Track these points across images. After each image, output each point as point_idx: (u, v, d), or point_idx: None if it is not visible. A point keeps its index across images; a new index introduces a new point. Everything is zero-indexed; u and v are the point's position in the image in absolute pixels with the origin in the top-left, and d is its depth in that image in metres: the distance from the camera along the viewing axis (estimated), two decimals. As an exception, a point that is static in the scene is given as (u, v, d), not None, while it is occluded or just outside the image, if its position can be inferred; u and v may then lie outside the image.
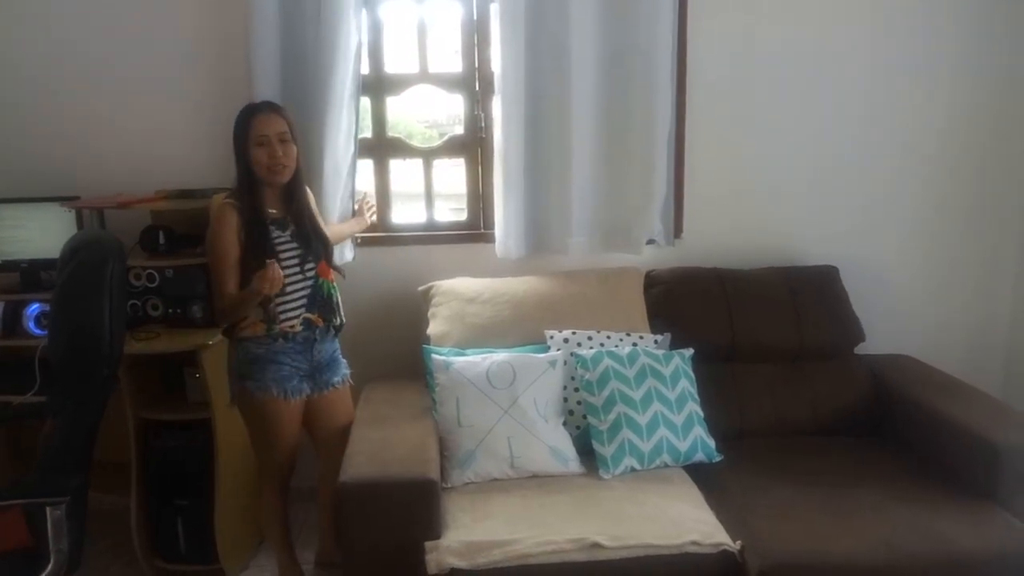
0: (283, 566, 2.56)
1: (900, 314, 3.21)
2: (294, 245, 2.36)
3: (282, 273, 2.21)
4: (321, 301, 2.41)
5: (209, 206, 2.56)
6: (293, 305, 2.35)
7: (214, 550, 2.60)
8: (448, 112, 3.43)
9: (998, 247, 3.25)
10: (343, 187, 2.90)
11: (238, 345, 2.34)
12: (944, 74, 3.10)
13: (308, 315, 2.37)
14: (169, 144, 2.97)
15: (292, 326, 2.34)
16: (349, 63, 2.80)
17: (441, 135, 3.23)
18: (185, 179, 2.86)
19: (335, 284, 2.48)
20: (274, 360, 2.33)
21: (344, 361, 2.55)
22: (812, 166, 3.14)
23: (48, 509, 1.79)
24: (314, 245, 2.40)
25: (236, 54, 2.84)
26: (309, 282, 2.38)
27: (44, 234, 2.77)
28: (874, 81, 3.09)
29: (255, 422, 2.39)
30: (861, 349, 2.95)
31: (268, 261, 2.19)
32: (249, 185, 2.34)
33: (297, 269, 2.36)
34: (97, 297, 1.88)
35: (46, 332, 2.55)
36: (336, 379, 2.50)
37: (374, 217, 3.01)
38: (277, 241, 2.33)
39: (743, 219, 3.15)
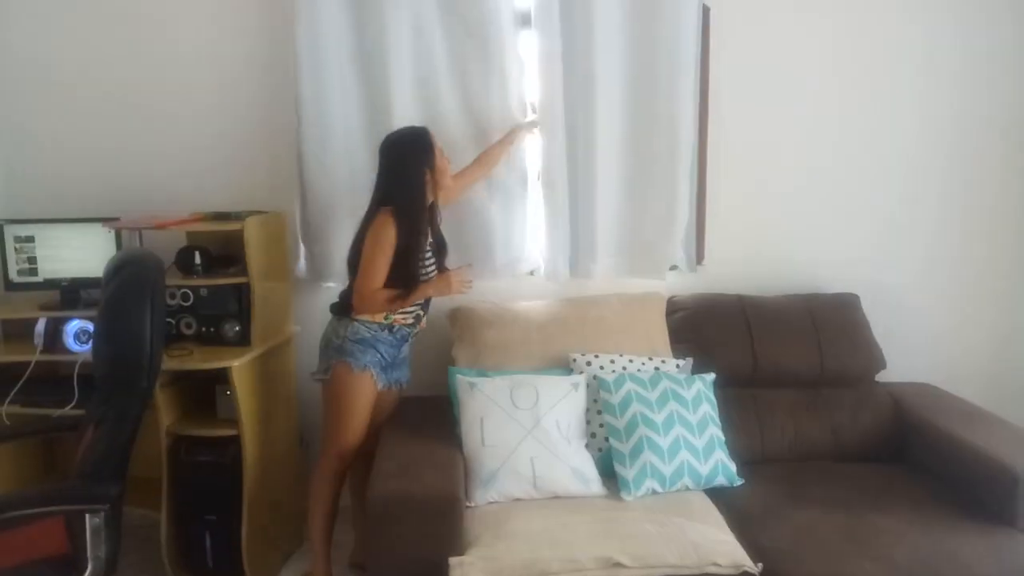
0: (317, 557, 2.62)
1: (922, 341, 3.22)
2: (432, 253, 2.61)
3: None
4: (427, 303, 2.63)
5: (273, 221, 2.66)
6: (415, 304, 2.57)
7: (241, 565, 2.65)
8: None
9: (1020, 272, 3.26)
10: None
11: (349, 324, 2.49)
12: (962, 99, 3.14)
13: (422, 313, 2.63)
14: (205, 168, 3.06)
15: (405, 320, 2.53)
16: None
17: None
18: (219, 202, 2.94)
19: None
20: (374, 345, 2.52)
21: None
22: (832, 194, 3.18)
23: (88, 516, 1.85)
24: (441, 253, 2.66)
25: (277, 82, 2.94)
26: None
27: (85, 254, 2.87)
28: (892, 111, 3.14)
29: (342, 397, 2.53)
30: (882, 377, 2.96)
31: (456, 270, 2.61)
32: (422, 204, 2.52)
33: (434, 270, 2.61)
34: (140, 311, 1.97)
35: (85, 348, 2.65)
36: (402, 378, 2.69)
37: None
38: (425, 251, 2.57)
39: (764, 246, 3.19)
